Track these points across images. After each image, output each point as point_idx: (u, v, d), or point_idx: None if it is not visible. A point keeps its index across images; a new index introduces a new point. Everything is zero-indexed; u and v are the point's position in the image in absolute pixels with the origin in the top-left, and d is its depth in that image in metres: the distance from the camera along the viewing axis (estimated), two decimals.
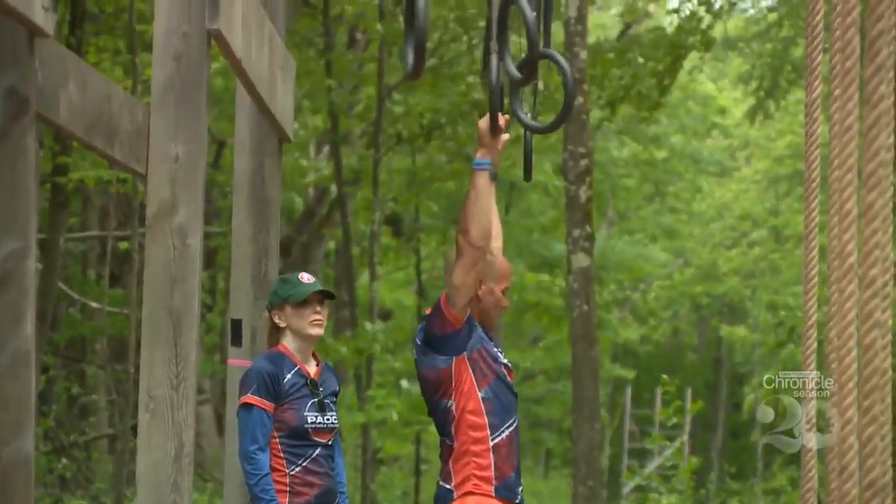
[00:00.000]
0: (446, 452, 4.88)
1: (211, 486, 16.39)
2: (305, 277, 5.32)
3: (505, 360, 5.02)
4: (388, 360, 20.20)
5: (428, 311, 5.02)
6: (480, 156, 4.76)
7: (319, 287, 5.28)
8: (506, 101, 4.90)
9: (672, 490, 14.15)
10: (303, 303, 5.24)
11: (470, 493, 4.80)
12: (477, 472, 4.80)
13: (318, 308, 5.27)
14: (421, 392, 4.99)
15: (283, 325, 5.28)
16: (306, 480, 5.17)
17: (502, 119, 4.82)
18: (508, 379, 4.99)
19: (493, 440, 4.83)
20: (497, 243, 5.14)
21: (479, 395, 4.83)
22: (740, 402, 30.74)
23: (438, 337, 4.83)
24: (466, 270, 4.71)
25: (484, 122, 4.79)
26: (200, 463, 16.97)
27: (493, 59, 4.55)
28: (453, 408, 4.83)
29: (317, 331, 5.28)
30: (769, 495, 21.38)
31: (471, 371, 4.84)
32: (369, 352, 15.08)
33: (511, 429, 4.92)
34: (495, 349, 5.01)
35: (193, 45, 4.54)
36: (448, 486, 4.84)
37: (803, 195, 3.84)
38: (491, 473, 4.82)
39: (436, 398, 4.88)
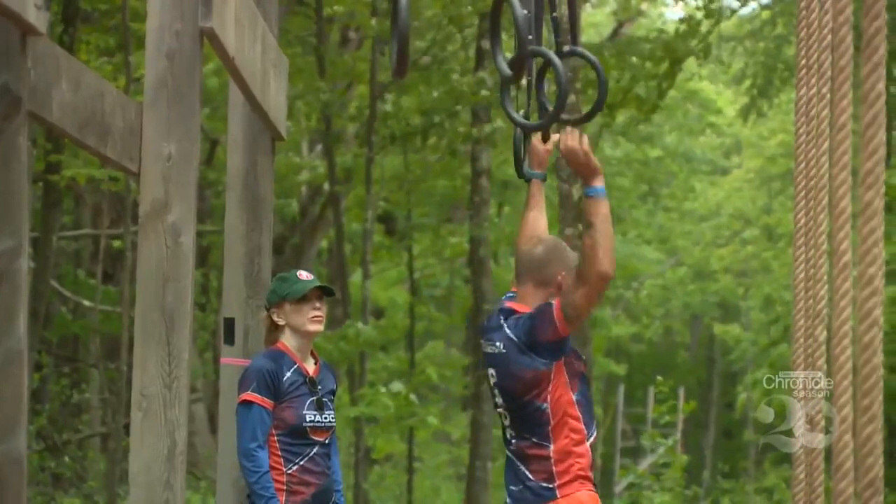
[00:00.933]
0: (536, 453, 4.74)
1: (204, 485, 16.38)
2: (304, 275, 5.31)
3: (583, 356, 4.95)
4: (380, 359, 20.17)
5: (511, 305, 4.85)
6: (598, 183, 4.62)
7: (318, 283, 5.28)
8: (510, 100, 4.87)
9: (665, 488, 14.15)
10: (302, 299, 5.23)
11: (578, 488, 4.74)
12: (581, 473, 4.75)
13: (318, 304, 5.27)
14: (504, 388, 4.78)
15: (281, 322, 5.27)
16: (303, 479, 5.16)
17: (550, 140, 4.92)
18: (586, 375, 4.92)
19: (588, 440, 4.79)
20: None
21: (574, 397, 4.75)
22: (733, 400, 30.75)
23: (544, 342, 4.68)
24: (592, 297, 4.56)
25: (585, 157, 4.65)
26: (193, 462, 16.94)
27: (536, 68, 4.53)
28: (549, 410, 4.71)
29: (316, 327, 5.27)
30: (761, 494, 21.40)
31: (566, 373, 4.75)
32: (355, 344, 14.92)
33: (597, 427, 4.89)
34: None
35: (186, 43, 4.52)
36: (549, 486, 4.72)
37: (794, 193, 3.82)
38: (590, 473, 4.80)
39: (527, 398, 4.72)
